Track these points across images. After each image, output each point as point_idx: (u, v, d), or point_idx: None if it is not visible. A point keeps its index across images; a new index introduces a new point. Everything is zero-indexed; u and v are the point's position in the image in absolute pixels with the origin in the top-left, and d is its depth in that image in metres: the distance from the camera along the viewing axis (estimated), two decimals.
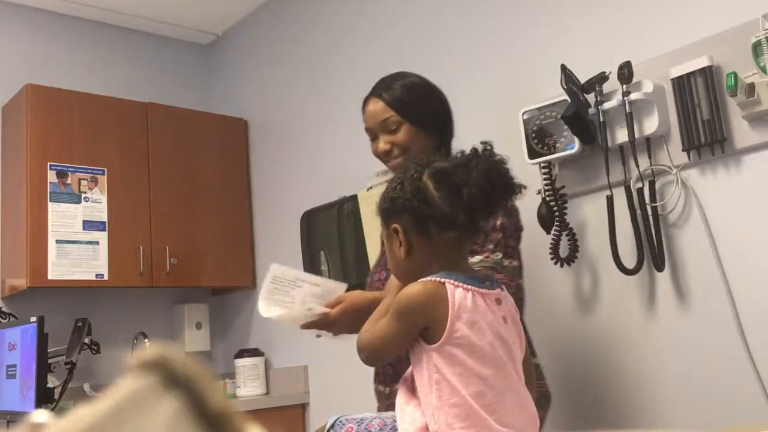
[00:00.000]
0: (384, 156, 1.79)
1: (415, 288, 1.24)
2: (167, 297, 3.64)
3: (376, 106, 1.80)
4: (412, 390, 1.26)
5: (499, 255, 1.59)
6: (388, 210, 1.31)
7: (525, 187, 1.32)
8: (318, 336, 1.65)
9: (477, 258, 1.57)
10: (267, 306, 1.55)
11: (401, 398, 1.28)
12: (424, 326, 1.22)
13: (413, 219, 1.28)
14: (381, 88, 1.83)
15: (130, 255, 3.32)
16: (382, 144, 1.78)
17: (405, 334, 1.24)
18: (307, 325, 1.54)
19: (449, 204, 1.25)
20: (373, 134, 1.82)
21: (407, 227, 1.28)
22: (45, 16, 3.65)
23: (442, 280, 1.23)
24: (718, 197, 2.00)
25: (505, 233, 1.63)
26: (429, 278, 1.24)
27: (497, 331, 1.23)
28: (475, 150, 1.31)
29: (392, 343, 1.27)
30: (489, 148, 1.31)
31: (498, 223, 1.61)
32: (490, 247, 1.59)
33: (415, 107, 1.80)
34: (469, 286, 1.23)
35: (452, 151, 1.78)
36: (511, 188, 1.29)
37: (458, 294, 1.21)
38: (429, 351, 1.21)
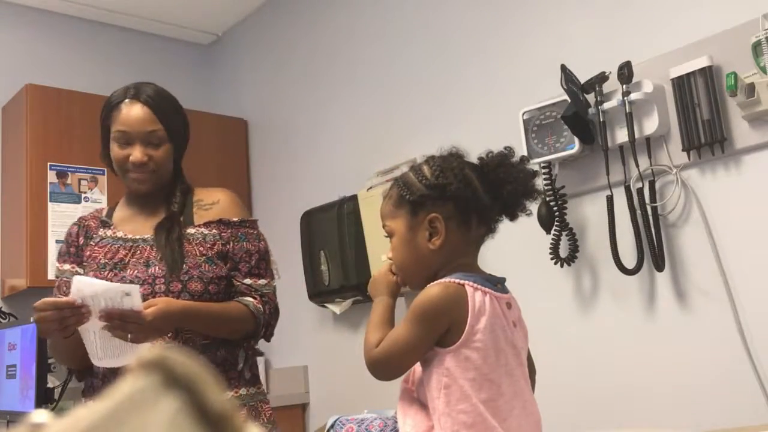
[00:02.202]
0: (134, 167, 1.66)
1: (435, 290, 1.20)
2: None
3: (145, 113, 1.67)
4: (413, 395, 1.25)
5: (275, 283, 1.76)
6: (427, 197, 1.25)
7: (543, 194, 1.33)
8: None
9: (263, 281, 1.70)
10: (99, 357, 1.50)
11: (403, 402, 1.26)
12: (446, 329, 1.18)
13: (458, 208, 1.25)
14: (150, 96, 1.69)
15: None
16: (140, 154, 1.65)
17: (427, 339, 1.19)
18: (110, 317, 1.42)
19: (490, 198, 1.25)
20: (127, 139, 1.67)
21: (449, 217, 1.25)
22: (45, 16, 3.65)
23: (461, 281, 1.20)
24: (718, 197, 2.00)
25: (274, 263, 1.80)
26: (447, 279, 1.21)
27: (508, 336, 1.22)
28: (504, 153, 1.30)
29: (414, 350, 1.20)
30: (515, 153, 1.32)
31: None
32: (269, 274, 1.75)
33: (178, 128, 1.73)
34: (487, 289, 1.21)
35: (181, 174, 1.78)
36: (536, 196, 1.31)
37: (477, 296, 1.19)
38: (442, 354, 1.18)
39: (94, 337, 1.48)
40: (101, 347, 1.49)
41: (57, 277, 1.78)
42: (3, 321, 3.17)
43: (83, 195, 3.26)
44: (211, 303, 1.61)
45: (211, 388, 0.33)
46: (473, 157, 1.33)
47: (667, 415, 2.04)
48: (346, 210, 2.95)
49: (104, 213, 1.82)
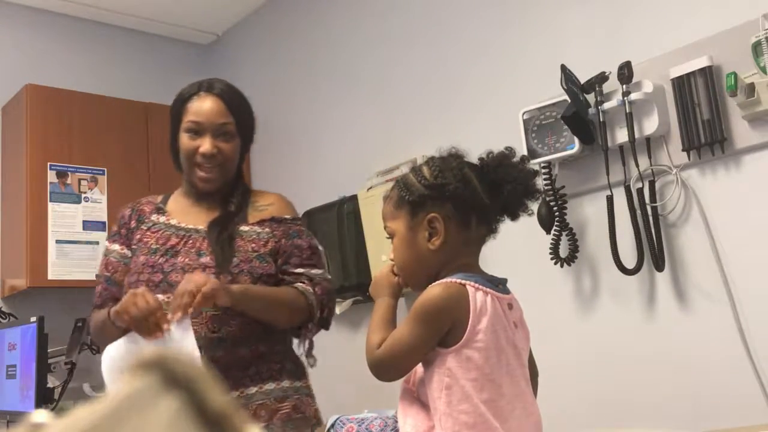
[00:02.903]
0: (204, 158, 1.69)
1: (436, 290, 1.20)
2: None
3: (219, 105, 1.71)
4: (414, 395, 1.25)
5: (330, 276, 1.76)
6: (426, 197, 1.26)
7: (543, 194, 1.33)
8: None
9: (317, 270, 1.71)
10: None
11: (403, 402, 1.26)
12: (448, 329, 1.18)
13: (457, 208, 1.25)
14: (224, 90, 1.74)
15: None
16: (210, 145, 1.68)
17: (430, 340, 1.19)
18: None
19: (490, 198, 1.25)
20: (199, 130, 1.70)
21: (448, 216, 1.25)
22: (45, 16, 3.65)
23: (463, 282, 1.20)
24: (718, 197, 2.00)
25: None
26: (448, 279, 1.21)
27: (509, 337, 1.22)
28: (504, 153, 1.30)
29: (417, 350, 1.20)
30: (515, 153, 1.32)
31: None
32: (321, 266, 1.76)
33: (248, 126, 1.78)
34: (488, 289, 1.21)
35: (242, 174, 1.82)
36: (537, 197, 1.31)
37: (479, 297, 1.19)
38: (444, 355, 1.18)
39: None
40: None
41: (105, 255, 1.79)
42: (3, 321, 3.17)
43: (83, 195, 3.26)
44: (265, 286, 1.63)
45: (210, 388, 0.33)
46: (473, 157, 1.33)
47: (667, 415, 2.04)
48: (346, 210, 2.95)
49: (159, 200, 1.84)
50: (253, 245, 1.66)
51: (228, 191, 1.76)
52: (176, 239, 1.69)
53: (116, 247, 1.77)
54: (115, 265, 1.75)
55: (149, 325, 1.47)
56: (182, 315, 1.45)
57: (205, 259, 1.62)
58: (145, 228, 1.74)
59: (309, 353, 1.70)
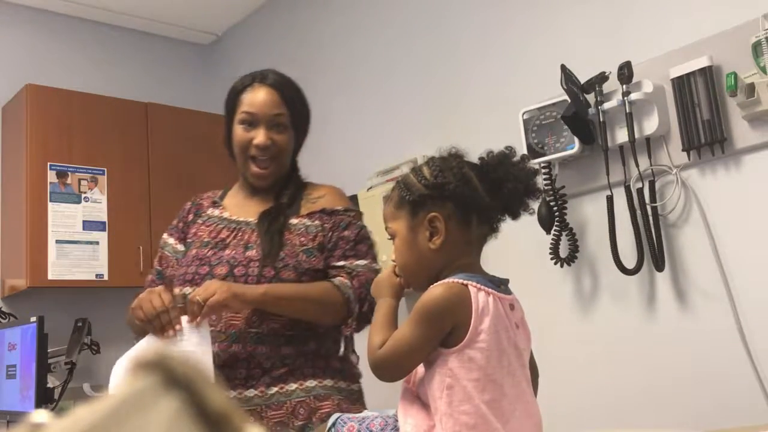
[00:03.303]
0: (258, 150, 1.66)
1: (438, 290, 1.20)
2: None
3: (273, 96, 1.68)
4: (414, 395, 1.25)
5: (378, 266, 1.66)
6: (427, 197, 1.25)
7: (543, 193, 1.33)
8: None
9: (362, 261, 1.63)
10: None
11: (404, 401, 1.26)
12: (450, 329, 1.18)
13: (457, 207, 1.25)
14: (278, 81, 1.71)
15: (130, 255, 3.32)
16: (264, 136, 1.65)
17: (431, 340, 1.18)
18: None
19: (490, 197, 1.26)
20: (253, 120, 1.67)
21: (449, 216, 1.25)
22: (45, 16, 3.65)
23: (465, 282, 1.20)
24: (718, 197, 2.00)
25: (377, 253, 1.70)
26: (450, 279, 1.21)
27: (511, 337, 1.22)
28: (504, 153, 1.30)
29: (418, 351, 1.19)
30: (516, 152, 1.31)
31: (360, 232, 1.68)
32: (369, 256, 1.66)
33: (302, 119, 1.75)
34: (490, 290, 1.21)
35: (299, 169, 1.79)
36: (537, 195, 1.31)
37: (481, 297, 1.19)
38: (445, 355, 1.17)
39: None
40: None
41: (161, 247, 1.79)
42: (3, 321, 3.17)
43: (83, 195, 3.26)
44: (294, 283, 1.58)
45: (210, 388, 0.33)
46: (473, 158, 1.33)
47: (667, 415, 2.04)
48: None
49: (219, 194, 1.82)
50: (302, 239, 1.63)
51: (282, 184, 1.73)
52: (227, 232, 1.67)
53: (171, 240, 1.77)
54: (168, 260, 1.75)
55: (161, 322, 1.48)
56: (194, 322, 1.46)
57: (251, 253, 1.60)
58: (201, 222, 1.74)
59: (349, 350, 1.65)
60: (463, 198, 1.25)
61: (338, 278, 1.59)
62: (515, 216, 1.31)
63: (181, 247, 1.74)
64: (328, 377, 1.60)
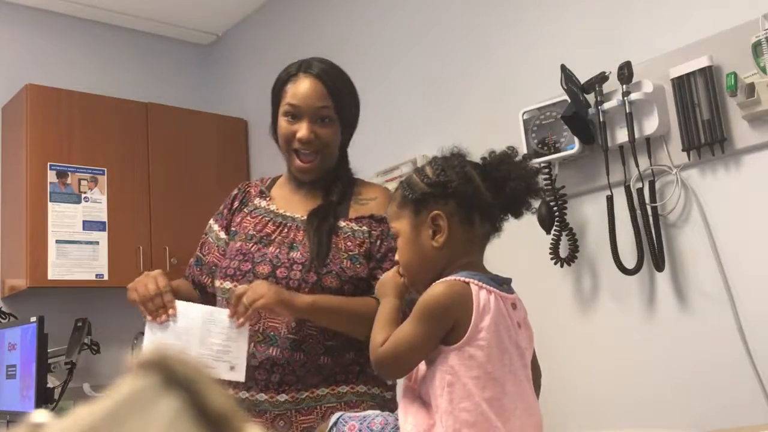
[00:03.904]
0: (301, 144, 1.60)
1: (440, 288, 1.20)
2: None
3: (317, 88, 1.61)
4: (416, 393, 1.25)
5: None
6: (429, 195, 1.26)
7: (546, 192, 1.34)
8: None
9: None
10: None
11: (405, 400, 1.26)
12: (451, 327, 1.18)
13: (460, 205, 1.25)
14: (324, 71, 1.64)
15: (130, 255, 3.32)
16: (307, 130, 1.59)
17: (433, 338, 1.19)
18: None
19: (493, 195, 1.26)
20: (297, 113, 1.61)
21: (452, 214, 1.26)
22: (45, 16, 3.65)
23: (467, 280, 1.20)
24: (718, 197, 2.00)
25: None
26: (452, 277, 1.22)
27: (512, 336, 1.22)
28: (506, 153, 1.30)
29: (420, 348, 1.20)
30: (517, 152, 1.32)
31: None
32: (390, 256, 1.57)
33: (349, 111, 1.67)
34: (492, 288, 1.21)
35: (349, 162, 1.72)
36: (539, 194, 1.31)
37: (482, 295, 1.19)
38: (446, 352, 1.18)
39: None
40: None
41: (206, 233, 1.76)
42: (3, 321, 3.17)
43: (83, 195, 3.26)
44: (340, 297, 1.52)
45: (211, 388, 0.33)
46: (474, 158, 1.33)
47: (667, 415, 2.04)
48: None
49: (267, 183, 1.77)
50: (348, 243, 1.57)
51: (330, 179, 1.66)
52: (273, 227, 1.62)
53: (216, 227, 1.73)
54: (210, 247, 1.72)
55: (154, 306, 1.48)
56: (238, 321, 1.45)
57: (296, 254, 1.55)
58: (247, 212, 1.69)
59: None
60: (465, 196, 1.25)
61: None
62: (518, 215, 1.31)
63: (223, 235, 1.71)
64: (362, 383, 1.55)
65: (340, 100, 1.63)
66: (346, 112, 1.65)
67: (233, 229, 1.69)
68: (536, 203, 1.34)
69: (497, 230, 1.32)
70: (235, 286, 1.56)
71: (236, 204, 1.74)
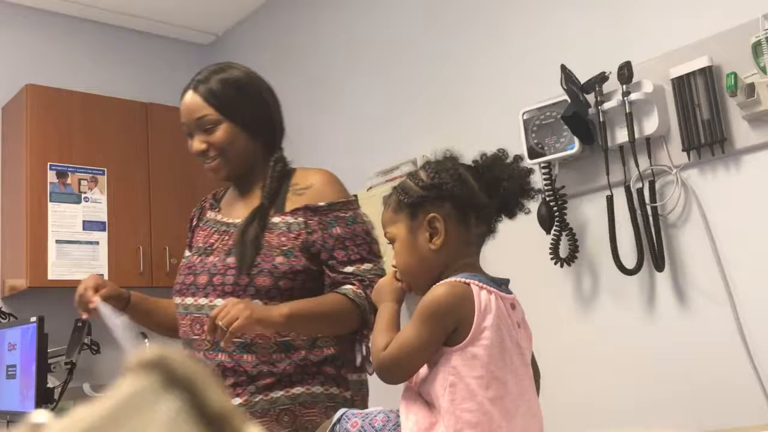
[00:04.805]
0: (200, 156, 1.64)
1: (441, 289, 1.20)
2: (167, 297, 3.64)
3: (193, 100, 1.61)
4: (416, 393, 1.25)
5: (383, 265, 1.58)
6: (425, 198, 1.26)
7: (541, 192, 1.34)
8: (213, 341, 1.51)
9: (368, 265, 1.55)
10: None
11: (406, 399, 1.26)
12: (453, 328, 1.18)
13: (455, 207, 1.26)
14: (199, 81, 1.63)
15: (130, 255, 3.32)
16: (197, 143, 1.62)
17: (436, 339, 1.19)
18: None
19: (487, 196, 1.27)
20: (189, 131, 1.64)
21: (448, 215, 1.26)
22: (45, 16, 3.65)
23: (467, 280, 1.20)
24: (718, 197, 2.00)
25: (379, 246, 1.61)
26: (452, 279, 1.22)
27: (513, 336, 1.22)
28: (497, 155, 1.31)
29: (423, 350, 1.19)
30: (508, 154, 1.32)
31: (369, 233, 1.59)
32: (373, 257, 1.57)
33: (236, 104, 1.62)
34: (492, 289, 1.21)
35: (286, 161, 1.70)
36: (532, 195, 1.32)
37: (483, 295, 1.20)
38: (448, 353, 1.18)
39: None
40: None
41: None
42: (3, 321, 3.17)
43: (83, 195, 3.26)
44: (310, 299, 1.51)
45: (210, 388, 0.33)
46: (471, 158, 1.34)
47: (667, 414, 2.04)
48: None
49: (219, 195, 1.79)
50: (282, 239, 1.55)
51: (258, 176, 1.67)
52: (217, 236, 1.64)
53: (187, 252, 1.75)
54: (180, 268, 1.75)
55: (82, 305, 1.58)
56: (221, 343, 1.42)
57: (231, 260, 1.55)
58: (201, 226, 1.72)
59: (366, 360, 1.56)
60: (460, 197, 1.26)
61: (350, 288, 1.51)
62: (512, 215, 1.32)
63: (188, 253, 1.74)
64: (318, 384, 1.54)
65: (221, 103, 1.61)
66: (234, 110, 1.62)
67: (192, 246, 1.73)
68: (529, 204, 1.34)
69: (492, 231, 1.33)
70: (182, 300, 1.59)
71: (195, 221, 1.78)
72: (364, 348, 1.57)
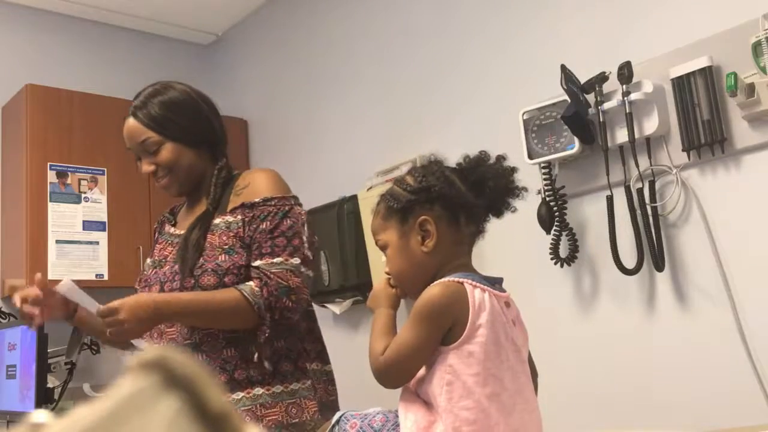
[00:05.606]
0: (152, 177, 1.70)
1: (435, 290, 1.21)
2: None
3: (134, 126, 1.66)
4: (415, 393, 1.25)
5: (298, 260, 1.56)
6: (414, 202, 1.27)
7: (526, 190, 1.34)
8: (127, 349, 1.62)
9: (278, 259, 1.54)
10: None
11: (404, 400, 1.26)
12: (449, 327, 1.19)
13: (445, 208, 1.27)
14: (136, 107, 1.68)
15: (130, 255, 3.31)
16: (146, 166, 1.68)
17: (433, 340, 1.20)
18: (104, 313, 1.49)
19: (474, 196, 1.28)
20: (136, 155, 1.70)
21: (438, 217, 1.27)
22: (45, 16, 3.65)
23: (460, 280, 1.22)
24: (718, 197, 2.00)
25: (303, 242, 1.60)
26: (446, 279, 1.22)
27: (508, 333, 1.23)
28: (480, 156, 1.32)
29: (421, 352, 1.20)
30: (490, 155, 1.33)
31: (292, 230, 1.59)
32: (287, 252, 1.56)
33: (175, 123, 1.67)
34: (486, 287, 1.22)
35: (231, 167, 1.74)
36: (518, 193, 1.32)
37: (477, 294, 1.20)
38: (445, 352, 1.19)
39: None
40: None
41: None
42: (3, 321, 3.17)
43: (83, 195, 3.26)
44: (198, 292, 1.54)
45: (211, 389, 0.33)
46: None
47: (667, 415, 2.04)
48: (346, 210, 2.96)
49: (177, 208, 1.85)
50: (224, 238, 1.59)
51: (207, 187, 1.70)
52: (170, 248, 1.70)
53: (149, 261, 1.79)
54: (144, 279, 1.80)
55: (27, 320, 1.63)
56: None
57: (178, 266, 1.61)
58: (160, 239, 1.78)
59: (264, 359, 1.54)
60: (449, 198, 1.27)
61: (249, 285, 1.51)
62: (499, 214, 1.33)
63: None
64: (278, 382, 1.55)
65: (160, 125, 1.66)
66: (174, 129, 1.67)
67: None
68: (516, 202, 1.35)
69: (482, 231, 1.34)
70: None
71: (156, 235, 1.84)
72: (261, 348, 1.54)
